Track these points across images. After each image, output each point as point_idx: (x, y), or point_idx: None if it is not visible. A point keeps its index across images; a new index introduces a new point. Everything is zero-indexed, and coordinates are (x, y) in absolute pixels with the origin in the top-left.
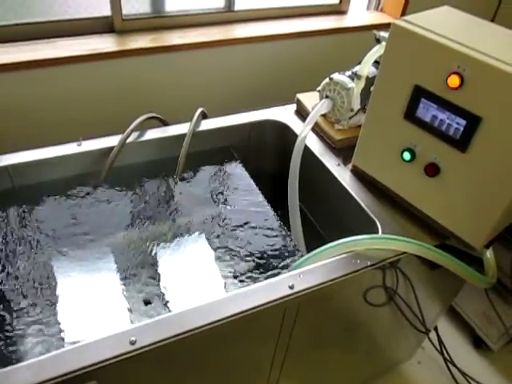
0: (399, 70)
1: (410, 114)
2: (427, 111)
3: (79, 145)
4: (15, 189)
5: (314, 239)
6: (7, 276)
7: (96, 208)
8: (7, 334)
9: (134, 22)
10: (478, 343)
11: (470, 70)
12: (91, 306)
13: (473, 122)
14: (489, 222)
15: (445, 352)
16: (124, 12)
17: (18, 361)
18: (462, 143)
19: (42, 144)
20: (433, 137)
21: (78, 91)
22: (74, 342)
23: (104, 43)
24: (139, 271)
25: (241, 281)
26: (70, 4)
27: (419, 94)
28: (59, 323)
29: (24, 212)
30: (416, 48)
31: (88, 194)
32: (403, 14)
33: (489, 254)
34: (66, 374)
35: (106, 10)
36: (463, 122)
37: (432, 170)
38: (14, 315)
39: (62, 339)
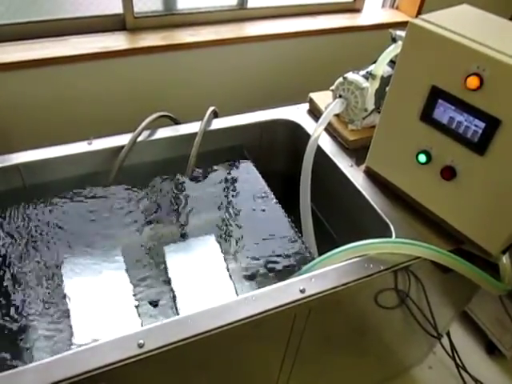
0: (416, 69)
1: (427, 116)
2: (444, 113)
3: (90, 143)
4: (26, 187)
5: (326, 242)
6: (16, 275)
7: (105, 207)
8: (14, 334)
9: (145, 20)
10: (491, 349)
11: (490, 71)
12: (100, 308)
13: (492, 124)
14: (506, 227)
15: (457, 357)
16: (136, 10)
17: (25, 363)
18: (480, 146)
19: (52, 142)
20: (450, 139)
21: (88, 89)
22: (82, 345)
23: (115, 41)
24: (148, 272)
25: (250, 283)
26: (81, 2)
27: (436, 94)
28: (67, 325)
29: (34, 211)
30: (434, 47)
31: (97, 192)
32: (419, 12)
33: (505, 259)
34: (73, 377)
35: (117, 8)
36: (482, 125)
37: (448, 173)
38: (22, 315)
39: (70, 341)
